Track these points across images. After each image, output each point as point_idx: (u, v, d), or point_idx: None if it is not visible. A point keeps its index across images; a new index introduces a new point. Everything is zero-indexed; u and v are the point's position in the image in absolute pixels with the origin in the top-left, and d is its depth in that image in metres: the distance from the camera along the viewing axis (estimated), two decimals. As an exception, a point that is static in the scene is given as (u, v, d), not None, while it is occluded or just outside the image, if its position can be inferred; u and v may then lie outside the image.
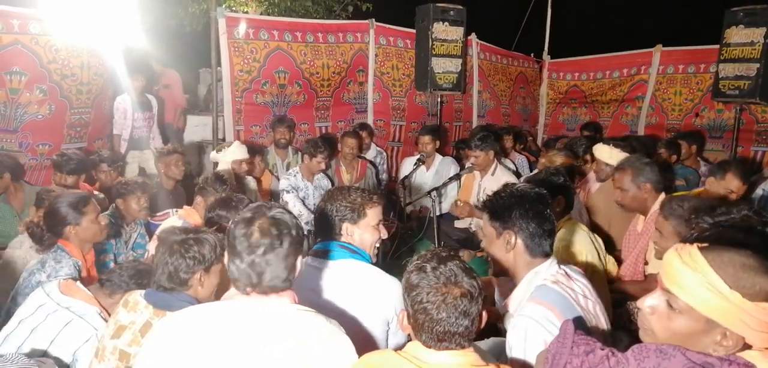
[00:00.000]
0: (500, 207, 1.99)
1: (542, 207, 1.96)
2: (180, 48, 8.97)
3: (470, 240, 4.67)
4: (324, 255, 2.23)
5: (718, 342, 1.26)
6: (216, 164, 4.75)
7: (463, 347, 1.49)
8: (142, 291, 2.08)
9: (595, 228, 3.70)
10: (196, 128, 7.34)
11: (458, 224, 4.86)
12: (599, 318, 1.93)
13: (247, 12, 8.74)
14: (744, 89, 5.74)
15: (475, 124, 7.69)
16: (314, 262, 2.22)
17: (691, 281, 1.26)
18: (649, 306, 1.36)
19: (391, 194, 5.73)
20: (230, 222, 1.69)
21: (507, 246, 1.97)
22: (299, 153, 5.54)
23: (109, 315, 2.18)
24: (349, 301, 2.10)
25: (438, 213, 4.61)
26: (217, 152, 4.76)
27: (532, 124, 8.68)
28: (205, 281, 2.11)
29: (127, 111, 5.53)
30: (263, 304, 1.59)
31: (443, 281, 1.50)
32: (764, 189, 4.60)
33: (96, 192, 4.23)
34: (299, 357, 1.52)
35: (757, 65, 5.59)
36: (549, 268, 1.94)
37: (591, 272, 2.76)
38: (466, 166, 4.87)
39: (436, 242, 4.42)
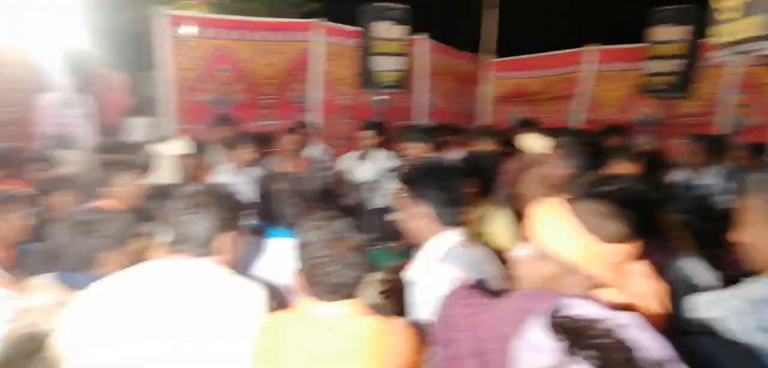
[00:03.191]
0: (412, 178, 2.13)
1: (452, 179, 2.08)
2: (125, 50, 8.84)
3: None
4: (267, 233, 2.32)
5: (578, 282, 1.38)
6: (157, 158, 4.70)
7: (351, 297, 1.59)
8: (49, 275, 2.08)
9: (520, 212, 3.84)
10: (140, 129, 7.24)
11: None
12: (501, 283, 2.05)
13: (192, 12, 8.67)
14: (669, 84, 6.05)
15: (422, 122, 7.84)
16: (255, 239, 2.30)
17: (551, 228, 1.38)
18: (520, 254, 1.48)
19: (335, 192, 5.79)
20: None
21: (418, 214, 2.09)
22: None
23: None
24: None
25: (377, 205, 4.71)
26: (161, 145, 4.70)
27: (476, 122, 8.88)
28: (112, 261, 2.10)
29: (52, 108, 5.40)
30: (185, 263, 1.75)
31: (335, 236, 1.60)
32: (683, 176, 4.88)
33: (26, 189, 4.16)
34: (212, 313, 1.68)
35: (680, 61, 5.91)
36: (455, 236, 2.05)
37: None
38: (403, 160, 4.97)
39: (373, 232, 4.50)
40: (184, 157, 4.60)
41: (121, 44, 8.93)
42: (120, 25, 9.23)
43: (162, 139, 4.83)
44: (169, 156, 4.53)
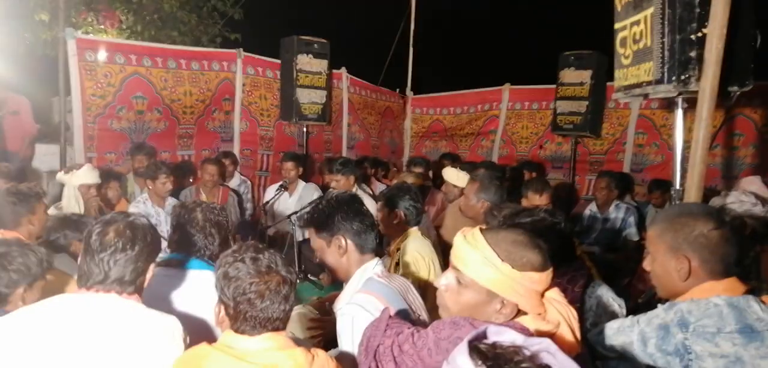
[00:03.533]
0: (323, 218, 2.11)
1: (358, 206, 2.11)
2: (32, 74, 8.35)
3: (331, 264, 4.76)
4: (180, 265, 2.24)
5: (498, 310, 1.44)
6: (62, 187, 4.45)
7: (277, 329, 1.57)
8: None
9: (444, 244, 3.95)
10: (45, 157, 6.81)
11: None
12: (422, 312, 2.09)
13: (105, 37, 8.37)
14: (577, 124, 6.44)
15: (344, 155, 7.89)
16: (170, 272, 2.21)
17: (472, 257, 1.44)
18: (443, 284, 1.52)
19: (256, 224, 5.69)
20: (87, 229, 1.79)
21: (339, 250, 2.09)
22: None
23: None
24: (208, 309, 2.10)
25: (300, 239, 4.67)
26: (64, 174, 4.47)
27: (398, 156, 9.05)
28: (27, 297, 2.00)
29: None
30: (103, 300, 1.69)
31: (264, 270, 1.57)
32: (591, 210, 5.20)
33: None
34: (130, 350, 1.65)
35: (586, 102, 6.32)
36: (375, 267, 2.08)
37: (433, 277, 2.95)
38: (327, 191, 4.99)
39: (297, 266, 4.46)
40: (88, 186, 4.38)
41: (32, 68, 8.44)
42: (32, 48, 8.73)
43: (68, 168, 4.59)
44: (72, 185, 4.31)
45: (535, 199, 3.74)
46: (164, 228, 4.66)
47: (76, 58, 5.32)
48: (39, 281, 2.05)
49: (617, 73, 3.05)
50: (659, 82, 2.58)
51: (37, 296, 2.05)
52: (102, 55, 5.53)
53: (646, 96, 2.83)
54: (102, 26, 9.17)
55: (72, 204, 4.27)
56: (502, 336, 1.06)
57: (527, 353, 0.98)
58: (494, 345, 1.02)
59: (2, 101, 6.23)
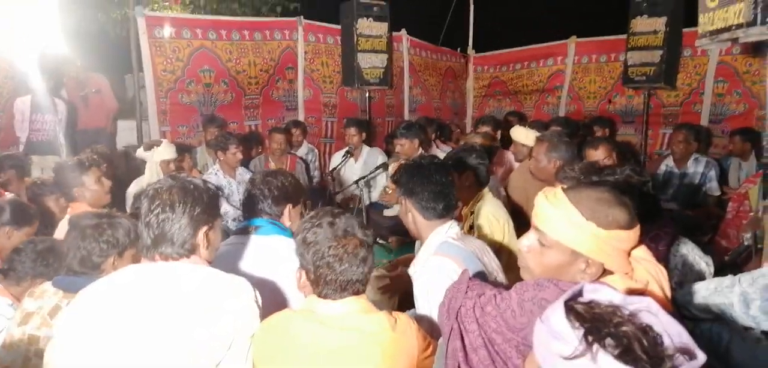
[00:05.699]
0: (398, 177, 2.20)
1: (433, 175, 2.13)
2: (105, 53, 8.72)
3: (399, 227, 4.78)
4: (256, 230, 2.29)
5: (584, 270, 1.40)
6: (144, 162, 4.68)
7: (358, 293, 1.59)
8: (50, 281, 2.06)
9: (513, 205, 3.89)
10: (122, 133, 7.16)
11: (387, 212, 4.96)
12: (498, 273, 2.07)
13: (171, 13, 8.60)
14: (650, 75, 6.10)
15: (406, 118, 7.85)
16: (243, 239, 2.27)
17: (555, 217, 1.40)
18: (525, 246, 1.49)
19: (324, 191, 5.78)
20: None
21: (406, 212, 2.17)
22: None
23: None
24: (281, 273, 2.14)
25: (367, 203, 4.72)
26: (145, 150, 4.69)
27: (461, 117, 8.93)
28: (118, 265, 2.10)
29: (25, 113, 5.33)
30: (167, 268, 1.63)
31: (341, 234, 1.60)
32: (667, 165, 4.97)
33: (6, 194, 4.10)
34: (204, 320, 1.57)
35: (661, 52, 5.96)
36: (449, 230, 2.08)
37: (507, 239, 2.92)
38: (393, 155, 4.99)
39: (365, 230, 4.52)
40: (167, 162, 4.58)
41: (104, 47, 8.83)
42: (103, 27, 9.12)
43: (147, 143, 4.80)
44: (154, 161, 4.52)
45: (593, 155, 3.58)
46: (237, 198, 4.81)
47: (146, 35, 5.51)
48: (128, 250, 2.15)
49: (701, 18, 2.85)
50: (751, 24, 2.39)
51: (129, 263, 2.15)
52: (169, 30, 5.70)
53: (735, 41, 2.63)
54: (166, 3, 9.42)
55: (154, 179, 4.47)
56: (599, 294, 1.01)
57: (626, 313, 0.94)
58: (591, 305, 0.97)
59: (84, 81, 6.55)
